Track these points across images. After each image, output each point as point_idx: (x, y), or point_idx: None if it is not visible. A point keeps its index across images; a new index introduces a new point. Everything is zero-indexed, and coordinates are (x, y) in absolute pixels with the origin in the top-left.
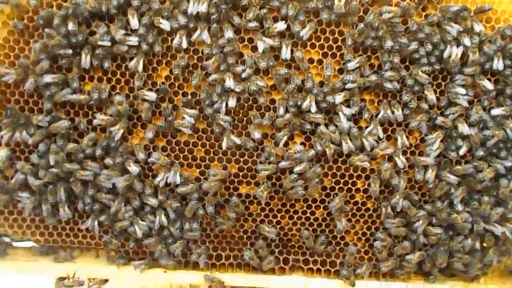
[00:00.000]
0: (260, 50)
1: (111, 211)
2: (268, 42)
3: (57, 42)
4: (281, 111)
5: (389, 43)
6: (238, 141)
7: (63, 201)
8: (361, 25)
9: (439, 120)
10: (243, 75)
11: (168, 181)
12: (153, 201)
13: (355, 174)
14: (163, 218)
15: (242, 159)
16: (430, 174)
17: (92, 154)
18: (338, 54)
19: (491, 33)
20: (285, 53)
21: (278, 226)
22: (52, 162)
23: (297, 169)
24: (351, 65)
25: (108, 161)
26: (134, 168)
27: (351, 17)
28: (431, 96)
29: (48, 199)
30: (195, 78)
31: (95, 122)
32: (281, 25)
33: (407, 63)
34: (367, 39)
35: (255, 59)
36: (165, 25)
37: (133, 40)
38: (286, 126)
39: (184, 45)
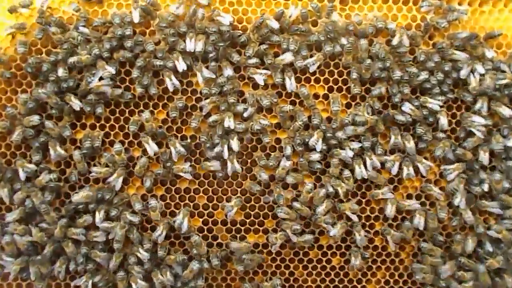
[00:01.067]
0: (261, 82)
1: (109, 267)
2: (266, 73)
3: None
4: (288, 150)
5: (398, 74)
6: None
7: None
8: (368, 61)
9: (459, 151)
10: (245, 114)
11: (176, 226)
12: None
13: (372, 216)
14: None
15: (248, 205)
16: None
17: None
18: (344, 87)
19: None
20: (290, 85)
21: (292, 278)
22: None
23: (320, 209)
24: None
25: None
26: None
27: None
28: (443, 120)
29: (36, 261)
30: (194, 120)
31: (92, 175)
32: (288, 56)
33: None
34: (375, 70)
35: (257, 97)
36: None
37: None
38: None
39: (178, 86)
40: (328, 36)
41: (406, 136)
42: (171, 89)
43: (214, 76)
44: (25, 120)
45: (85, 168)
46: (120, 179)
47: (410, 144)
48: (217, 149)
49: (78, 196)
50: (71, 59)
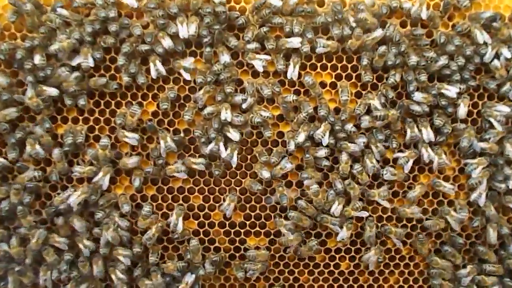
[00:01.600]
0: (260, 69)
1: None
2: (266, 58)
3: None
4: (292, 145)
5: (414, 59)
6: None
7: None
8: (382, 48)
9: (482, 145)
10: (244, 106)
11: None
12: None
13: (385, 216)
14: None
15: (248, 205)
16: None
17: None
18: (354, 75)
19: None
20: (292, 72)
21: (296, 285)
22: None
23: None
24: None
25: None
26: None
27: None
28: (463, 109)
29: (15, 272)
30: (187, 112)
31: (74, 175)
32: (295, 41)
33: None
34: (389, 56)
35: (258, 86)
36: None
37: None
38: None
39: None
40: (336, 17)
41: (423, 123)
42: (154, 75)
43: (193, 67)
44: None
45: (65, 168)
46: (107, 178)
47: (428, 132)
48: (211, 146)
49: (74, 197)
50: (53, 47)
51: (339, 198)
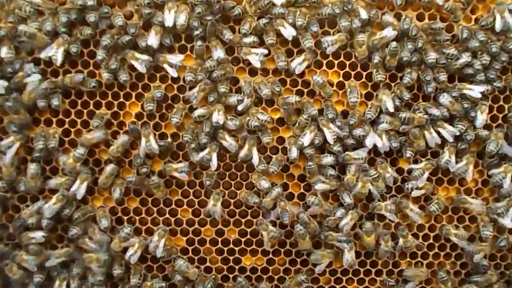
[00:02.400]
0: (257, 64)
1: None
2: (262, 52)
3: None
4: (294, 153)
5: (432, 56)
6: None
7: None
8: (393, 44)
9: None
10: (240, 107)
11: (150, 249)
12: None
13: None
14: None
15: (243, 220)
16: None
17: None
18: (364, 74)
19: None
20: (298, 66)
21: None
22: None
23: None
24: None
25: None
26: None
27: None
28: (481, 116)
29: None
30: (175, 114)
31: (49, 186)
32: (290, 31)
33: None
34: (404, 52)
35: (255, 86)
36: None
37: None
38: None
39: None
40: (345, 8)
41: (439, 123)
42: (142, 70)
43: (180, 64)
44: None
45: (37, 186)
46: (84, 186)
47: (449, 131)
48: (202, 154)
49: (48, 205)
50: (21, 27)
51: (353, 213)
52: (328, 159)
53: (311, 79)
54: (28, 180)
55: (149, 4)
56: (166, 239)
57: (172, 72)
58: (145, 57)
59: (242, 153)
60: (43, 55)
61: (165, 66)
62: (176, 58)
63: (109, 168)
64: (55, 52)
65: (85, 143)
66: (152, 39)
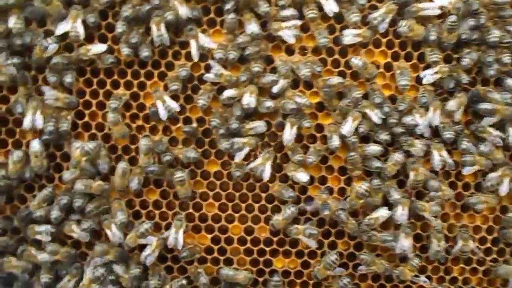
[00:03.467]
0: (291, 40)
1: None
2: (295, 24)
3: None
4: (335, 141)
5: (496, 34)
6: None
7: None
8: (452, 18)
9: None
10: (275, 89)
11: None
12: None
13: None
14: None
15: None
16: None
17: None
18: (415, 54)
19: None
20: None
21: None
22: None
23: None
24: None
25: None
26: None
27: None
28: None
29: None
30: (202, 96)
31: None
32: (332, 6)
33: None
34: (462, 30)
35: (293, 66)
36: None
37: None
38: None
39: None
40: None
41: None
42: (157, 42)
43: (213, 46)
44: None
45: (43, 166)
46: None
47: None
48: (254, 164)
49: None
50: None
51: (404, 199)
52: (374, 149)
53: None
54: (32, 161)
55: None
56: (187, 236)
57: (195, 55)
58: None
59: (253, 164)
60: (59, 31)
61: (192, 43)
62: (207, 41)
63: (121, 167)
64: (73, 26)
65: None
66: (184, 9)
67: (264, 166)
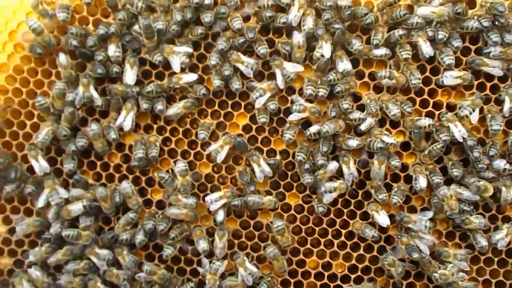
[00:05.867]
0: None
1: None
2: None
3: None
4: (422, 182)
5: None
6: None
7: None
8: None
9: None
10: (362, 127)
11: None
12: None
13: None
14: None
15: (355, 254)
16: None
17: None
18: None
19: None
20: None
21: None
22: None
23: None
24: None
25: None
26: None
27: None
28: None
29: None
30: (289, 130)
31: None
32: (429, 49)
33: None
34: None
35: (381, 104)
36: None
37: None
38: None
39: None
40: (497, 22)
41: None
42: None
43: (300, 69)
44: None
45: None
46: None
47: None
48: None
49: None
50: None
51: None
52: (466, 194)
53: (443, 100)
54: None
55: (272, 6)
56: (265, 266)
57: (281, 83)
58: (252, 60)
59: (212, 147)
60: (175, 67)
61: (277, 72)
62: (292, 66)
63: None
64: (174, 58)
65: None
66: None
67: (222, 149)
